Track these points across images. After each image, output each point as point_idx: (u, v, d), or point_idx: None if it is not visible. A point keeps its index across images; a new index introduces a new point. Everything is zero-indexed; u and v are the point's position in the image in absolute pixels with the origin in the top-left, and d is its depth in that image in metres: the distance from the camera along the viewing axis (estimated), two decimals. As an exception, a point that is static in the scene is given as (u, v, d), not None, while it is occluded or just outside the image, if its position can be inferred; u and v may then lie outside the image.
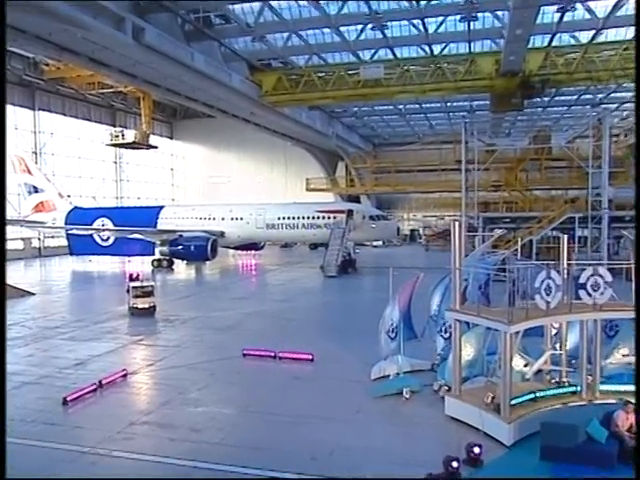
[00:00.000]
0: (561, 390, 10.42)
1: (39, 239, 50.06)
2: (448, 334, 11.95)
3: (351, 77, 36.32)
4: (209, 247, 36.13)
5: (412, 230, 67.68)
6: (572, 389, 10.46)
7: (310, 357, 14.27)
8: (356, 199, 59.57)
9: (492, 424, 9.59)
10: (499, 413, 9.60)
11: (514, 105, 35.19)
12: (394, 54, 36.88)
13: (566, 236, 11.63)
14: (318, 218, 37.89)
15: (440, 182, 53.99)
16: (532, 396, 10.05)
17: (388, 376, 12.37)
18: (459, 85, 35.18)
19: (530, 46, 31.47)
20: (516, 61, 31.44)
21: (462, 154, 32.64)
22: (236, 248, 44.72)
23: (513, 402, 9.67)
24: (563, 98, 47.44)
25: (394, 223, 41.23)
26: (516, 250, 12.66)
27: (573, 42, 34.15)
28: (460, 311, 10.60)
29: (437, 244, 54.50)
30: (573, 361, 11.17)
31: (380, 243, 55.66)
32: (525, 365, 10.93)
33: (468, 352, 11.01)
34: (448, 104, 51.74)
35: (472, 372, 11.11)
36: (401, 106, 53.31)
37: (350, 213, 36.69)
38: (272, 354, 14.59)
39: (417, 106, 52.93)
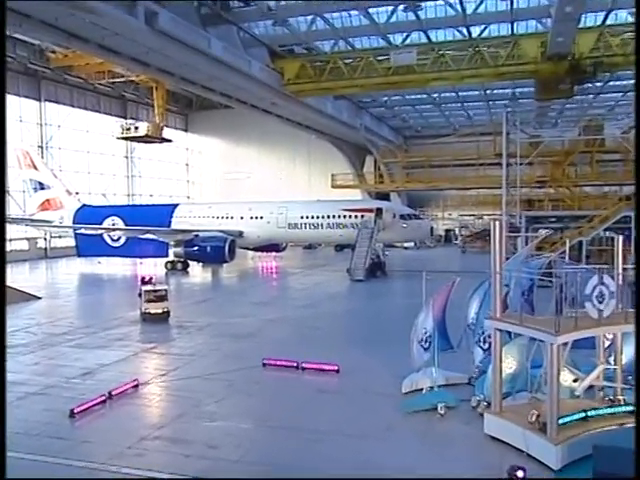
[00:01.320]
0: (616, 409, 10.17)
1: (45, 239, 50.95)
2: (487, 345, 11.79)
3: (381, 63, 36.21)
4: (227, 248, 36.34)
5: (447, 230, 67.23)
6: (628, 408, 10.16)
7: (336, 368, 14.24)
8: (385, 197, 59.41)
9: (537, 445, 9.41)
10: (545, 433, 9.41)
11: (562, 92, 34.65)
12: (428, 37, 36.66)
13: (621, 237, 11.36)
14: (344, 217, 37.82)
15: (478, 178, 53.57)
16: (583, 415, 9.82)
17: (421, 390, 12.28)
18: (500, 71, 34.78)
19: (581, 25, 30.88)
20: (565, 43, 30.86)
21: (503, 147, 32.23)
22: (256, 249, 44.93)
23: (561, 421, 9.47)
24: (618, 83, 46.44)
25: (427, 223, 40.92)
26: (564, 252, 12.45)
27: (631, 19, 33.27)
28: (501, 320, 10.45)
29: (475, 246, 54.04)
30: (629, 377, 10.90)
31: (412, 244, 55.34)
32: (574, 380, 10.71)
33: (510, 365, 10.84)
34: (488, 92, 51.23)
35: (514, 387, 10.94)
36: (435, 95, 52.98)
37: (379, 212, 36.56)
38: (294, 364, 14.60)
39: (453, 94, 52.55)
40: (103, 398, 12.22)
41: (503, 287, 10.84)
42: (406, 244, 53.77)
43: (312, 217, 38.78)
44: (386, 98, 54.31)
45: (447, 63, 35.26)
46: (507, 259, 11.47)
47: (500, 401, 10.42)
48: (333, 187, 60.85)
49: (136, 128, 50.35)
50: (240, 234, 39.52)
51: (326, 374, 14.16)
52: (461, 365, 13.03)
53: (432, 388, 12.15)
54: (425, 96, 53.26)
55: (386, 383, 13.22)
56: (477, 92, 51.68)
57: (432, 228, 40.07)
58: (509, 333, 10.79)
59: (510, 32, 35.36)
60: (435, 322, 12.26)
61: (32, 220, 44.61)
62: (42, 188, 45.47)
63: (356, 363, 15.01)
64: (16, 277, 36.05)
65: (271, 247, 43.93)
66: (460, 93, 52.11)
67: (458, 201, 61.76)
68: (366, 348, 16.68)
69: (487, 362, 11.55)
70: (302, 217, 39.03)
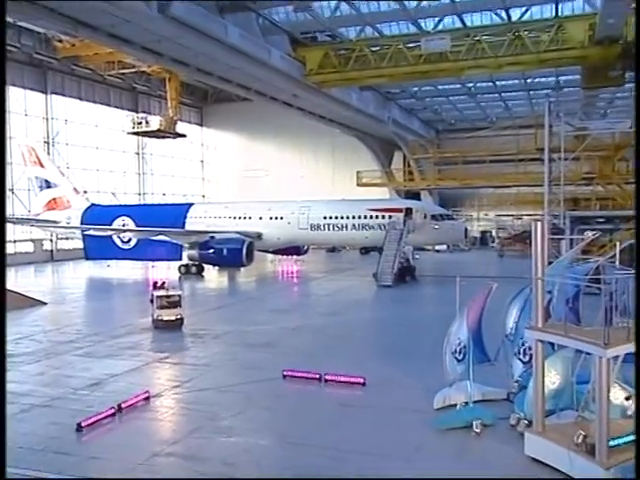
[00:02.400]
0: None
1: (51, 241, 51.69)
2: (528, 357, 11.69)
3: (411, 51, 36.05)
4: (244, 251, 36.49)
5: (483, 232, 66.72)
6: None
7: (361, 381, 14.21)
8: (416, 195, 59.15)
9: (584, 469, 9.25)
10: (593, 456, 9.25)
11: (612, 79, 34.14)
12: (463, 22, 36.40)
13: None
14: (371, 218, 37.75)
15: (518, 175, 53.12)
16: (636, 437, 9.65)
17: (455, 406, 12.18)
18: (543, 57, 34.32)
19: (634, 5, 30.35)
20: (616, 25, 30.26)
21: (545, 140, 31.88)
22: (275, 252, 45.06)
23: (611, 443, 9.28)
24: (674, 69, 45.71)
25: (461, 224, 40.67)
26: (613, 256, 12.21)
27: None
28: (543, 330, 10.32)
29: (514, 249, 53.54)
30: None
31: (444, 247, 55.06)
32: (627, 398, 10.50)
33: (553, 380, 10.70)
34: (528, 81, 50.67)
35: (558, 404, 10.79)
36: (471, 84, 52.58)
37: (409, 212, 36.44)
38: (317, 376, 14.59)
39: (490, 84, 52.11)
40: (112, 411, 12.31)
41: (545, 294, 10.71)
42: (438, 247, 53.52)
43: (336, 217, 38.76)
44: (416, 89, 54.05)
45: (484, 50, 34.93)
46: (550, 263, 11.33)
47: (542, 419, 10.28)
48: (359, 185, 60.80)
49: (148, 122, 50.95)
50: (259, 236, 39.66)
51: (351, 387, 14.12)
52: (499, 379, 12.89)
53: (467, 404, 12.04)
54: (459, 86, 52.89)
55: (416, 398, 13.14)
56: (517, 81, 51.15)
57: (466, 230, 39.77)
58: (552, 345, 10.68)
59: (554, 14, 34.86)
60: (470, 332, 12.17)
61: (37, 220, 45.22)
62: (48, 186, 46.04)
63: (383, 375, 14.95)
64: (20, 281, 36.69)
65: (292, 250, 44.00)
66: (498, 82, 51.62)
67: (495, 200, 61.19)
68: (394, 359, 16.62)
69: (527, 376, 11.43)
70: (325, 217, 39.04)
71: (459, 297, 12.41)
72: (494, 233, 64.81)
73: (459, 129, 65.57)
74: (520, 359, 12.16)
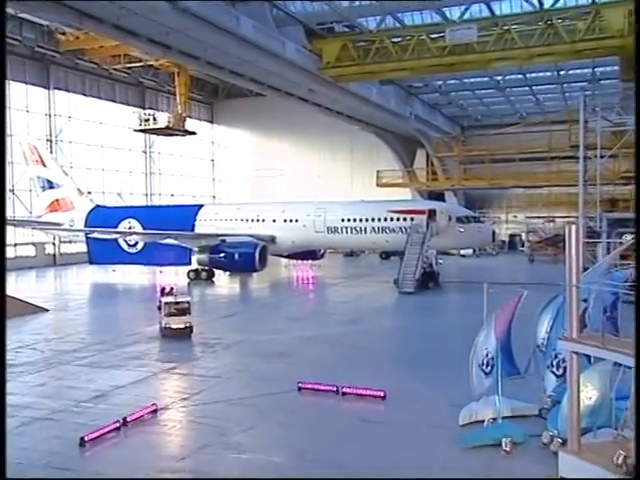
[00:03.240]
0: None
1: (54, 244, 52.10)
2: (562, 370, 11.57)
3: (435, 42, 36.00)
4: (257, 255, 36.54)
5: (512, 235, 66.34)
6: None
7: (382, 394, 14.14)
8: (439, 196, 58.97)
9: (624, 492, 9.13)
10: (635, 478, 9.12)
11: (654, 70, 33.78)
12: (491, 10, 36.30)
13: None
14: (391, 220, 37.67)
15: (550, 174, 52.78)
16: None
17: (482, 422, 12.08)
18: (578, 47, 34.03)
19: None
20: (659, 10, 30.11)
21: (580, 137, 31.68)
22: (290, 257, 45.11)
23: (655, 464, 9.17)
24: None
25: (488, 227, 40.45)
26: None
27: None
28: (578, 341, 10.19)
29: (545, 253, 53.20)
30: None
31: (470, 252, 54.79)
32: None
33: (589, 395, 10.56)
34: (562, 73, 50.37)
35: (595, 421, 10.64)
36: (499, 77, 52.41)
37: (432, 214, 36.29)
38: (334, 389, 14.55)
39: (520, 77, 51.86)
40: (117, 425, 12.34)
41: (580, 302, 10.59)
42: (463, 251, 53.30)
43: (354, 220, 38.72)
44: (441, 82, 53.97)
45: (513, 40, 34.75)
46: (585, 270, 11.22)
47: (578, 438, 10.14)
48: (379, 186, 60.73)
49: (155, 119, 51.24)
50: (272, 239, 39.72)
51: (370, 401, 14.05)
52: (530, 394, 12.76)
53: (495, 420, 11.94)
54: (487, 79, 52.72)
55: (440, 413, 13.07)
56: (549, 73, 50.86)
57: (494, 233, 39.53)
58: (588, 357, 10.54)
59: (590, 0, 34.62)
60: (498, 342, 12.08)
61: (39, 223, 45.63)
62: (51, 187, 46.44)
63: (405, 388, 14.88)
64: (21, 287, 37.00)
65: (307, 254, 44.06)
66: (528, 75, 51.37)
67: (525, 201, 60.87)
68: (417, 371, 16.54)
69: (561, 391, 11.30)
70: (343, 220, 39.01)
71: (486, 305, 12.33)
72: (524, 237, 64.31)
73: (486, 125, 65.29)
74: (553, 372, 12.03)
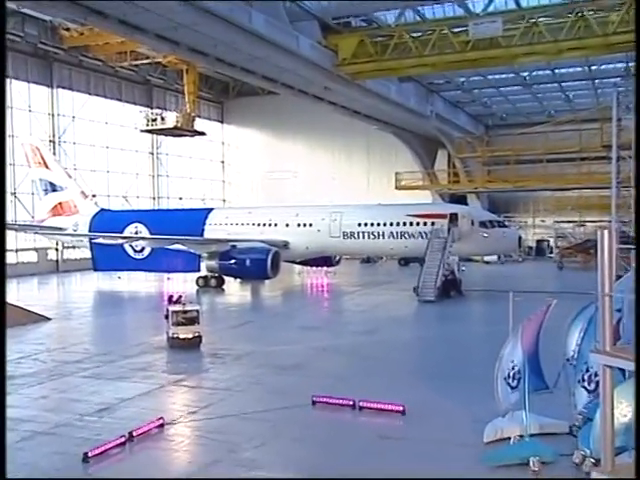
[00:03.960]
0: None
1: (57, 250, 52.50)
2: (594, 385, 11.48)
3: (457, 37, 35.91)
4: (269, 261, 36.61)
5: (539, 241, 66.02)
6: None
7: (401, 409, 14.10)
8: (462, 199, 58.75)
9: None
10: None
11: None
12: (517, 3, 36.17)
13: None
14: (411, 224, 37.61)
15: (580, 175, 52.42)
16: None
17: (508, 439, 12.00)
18: (610, 40, 33.66)
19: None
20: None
21: (613, 136, 31.45)
22: (303, 263, 45.13)
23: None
24: None
25: (514, 232, 40.24)
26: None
27: None
28: (612, 354, 10.07)
29: (575, 260, 52.88)
30: None
31: (494, 258, 54.57)
32: None
33: (624, 412, 10.42)
34: (593, 68, 50.03)
35: (630, 441, 10.53)
36: (526, 73, 52.17)
37: (454, 218, 36.21)
38: (350, 403, 14.54)
39: (548, 72, 51.62)
40: (122, 440, 12.38)
41: (614, 312, 10.49)
42: (487, 258, 53.10)
43: (371, 224, 38.69)
44: (463, 79, 53.82)
45: (541, 34, 34.55)
46: (619, 277, 11.11)
47: (612, 458, 10.00)
48: (397, 188, 60.59)
49: (163, 119, 51.55)
50: (285, 245, 39.76)
51: (389, 416, 14.03)
52: (559, 409, 12.66)
53: (522, 437, 11.84)
54: (512, 75, 52.50)
55: (463, 429, 13.01)
56: (579, 69, 50.55)
57: (520, 238, 39.37)
58: (622, 371, 10.43)
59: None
60: (525, 355, 12.00)
61: (42, 227, 45.94)
62: (54, 190, 46.73)
63: (426, 403, 14.83)
64: (23, 294, 37.27)
65: (322, 260, 44.04)
66: (557, 71, 51.10)
67: (554, 205, 60.54)
68: (438, 385, 16.49)
69: (594, 407, 11.17)
70: (359, 224, 38.99)
71: (512, 315, 12.25)
72: (552, 242, 64.04)
73: (512, 124, 64.98)
74: (584, 387, 11.93)
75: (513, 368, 11.88)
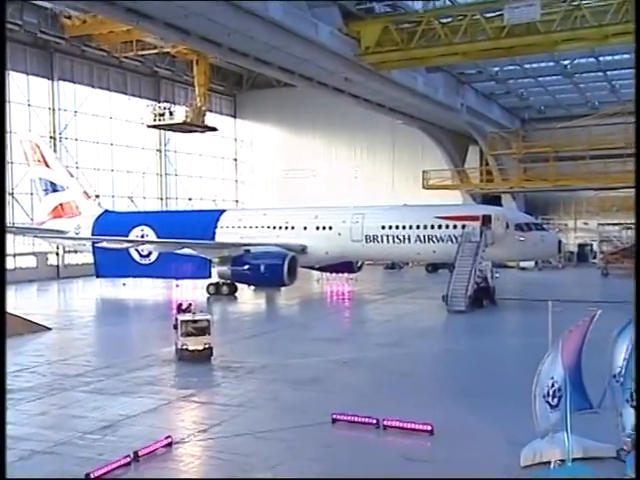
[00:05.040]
0: None
1: (57, 254, 52.90)
2: (643, 405, 11.31)
3: (491, 22, 35.77)
4: (286, 267, 36.66)
5: (581, 245, 65.56)
6: None
7: (428, 428, 14.03)
8: (495, 200, 58.49)
9: None
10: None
11: None
12: (556, -16, 35.97)
13: None
14: (439, 227, 37.53)
15: (627, 173, 51.73)
16: None
17: (548, 463, 11.88)
18: (662, 24, 33.50)
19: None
20: None
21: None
22: (323, 269, 45.14)
23: None
24: None
25: (553, 235, 40.05)
26: None
27: None
28: (662, 369, 10.00)
29: (621, 266, 52.34)
30: None
31: (531, 264, 54.29)
32: None
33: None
34: (642, 54, 49.65)
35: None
36: (566, 61, 51.81)
37: (487, 220, 36.07)
38: (373, 421, 14.50)
39: (592, 60, 51.22)
40: (127, 460, 12.41)
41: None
42: (524, 263, 52.85)
43: (397, 227, 38.63)
44: (497, 69, 53.56)
45: (584, 18, 34.24)
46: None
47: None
48: (425, 188, 60.43)
49: (171, 113, 51.89)
50: (303, 249, 39.81)
51: (415, 436, 13.96)
52: (605, 431, 12.49)
53: (564, 462, 11.71)
54: (552, 64, 52.16)
55: (497, 451, 12.92)
56: (626, 56, 49.92)
57: (560, 242, 39.11)
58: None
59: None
60: (567, 371, 11.88)
61: (41, 230, 46.29)
62: (54, 190, 47.10)
63: (456, 422, 14.76)
64: (21, 302, 37.55)
65: (343, 266, 43.98)
66: (602, 58, 50.67)
67: (597, 206, 60.09)
68: (469, 402, 16.39)
69: (644, 429, 11.06)
70: (383, 227, 38.95)
71: (551, 326, 12.15)
72: (596, 247, 63.50)
73: (551, 117, 64.63)
74: (633, 407, 11.79)
75: (553, 385, 11.75)
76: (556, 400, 11.76)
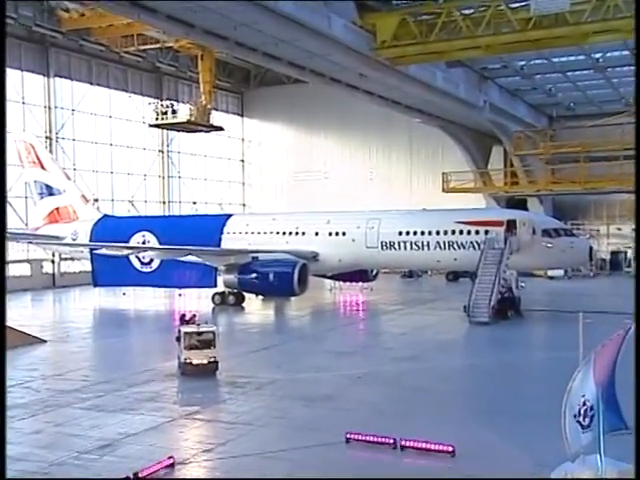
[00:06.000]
0: None
1: (53, 262, 53.11)
2: (683, 425, 11.20)
3: (516, 13, 35.70)
4: (296, 276, 36.67)
5: (614, 252, 65.25)
6: None
7: (450, 449, 13.94)
8: (521, 204, 58.32)
9: None
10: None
11: None
12: (587, -29, 35.89)
13: None
14: (461, 233, 37.46)
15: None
16: None
17: (579, 487, 11.79)
18: None
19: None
20: None
21: None
22: (336, 278, 45.13)
23: None
24: None
25: (584, 241, 39.97)
26: None
27: None
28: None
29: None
30: None
31: (560, 273, 54.09)
32: None
33: None
34: (679, 47, 49.46)
35: None
36: (598, 55, 51.67)
37: (511, 225, 36.01)
38: (390, 441, 14.42)
39: (625, 54, 51.02)
40: (127, 482, 12.42)
41: None
42: (552, 272, 52.67)
43: (414, 233, 38.58)
44: (523, 63, 53.42)
45: (617, 7, 34.04)
46: None
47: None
48: (445, 191, 60.36)
49: (174, 112, 51.98)
50: (314, 256, 39.82)
51: (436, 457, 13.87)
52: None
53: (596, 485, 11.63)
54: (582, 57, 51.99)
55: (524, 475, 12.81)
56: (664, 48, 50.02)
57: (591, 249, 38.96)
58: None
59: None
60: (599, 388, 11.77)
61: (36, 236, 46.44)
62: (50, 193, 47.31)
63: (479, 443, 14.69)
64: (14, 312, 37.56)
65: (357, 275, 43.96)
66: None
67: (631, 210, 59.74)
68: (493, 421, 16.34)
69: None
70: (400, 233, 38.91)
71: (583, 340, 12.06)
72: (630, 254, 63.19)
73: (581, 115, 64.53)
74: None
75: (584, 404, 11.66)
76: (588, 420, 11.66)
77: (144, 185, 61.32)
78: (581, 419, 11.67)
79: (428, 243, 38.22)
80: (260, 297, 41.26)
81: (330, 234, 40.71)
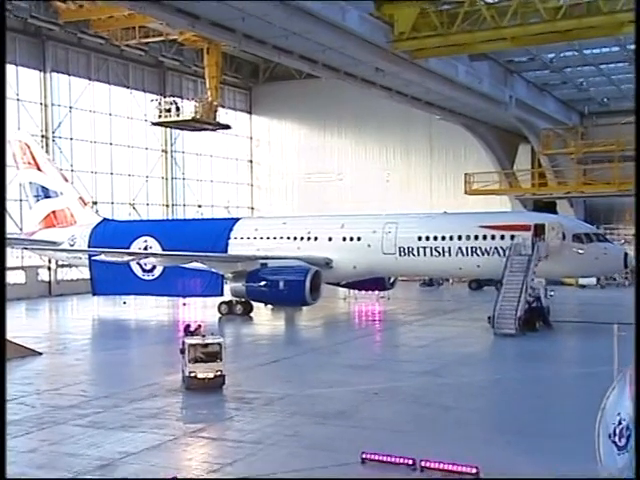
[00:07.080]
0: None
1: (49, 269, 53.25)
2: None
3: (545, 2, 35.61)
4: (308, 284, 36.68)
5: (651, 259, 64.91)
6: None
7: (474, 471, 13.84)
8: (550, 207, 58.15)
9: None
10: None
11: None
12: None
13: None
14: (484, 238, 37.38)
15: None
16: None
17: (613, 513, 11.71)
18: None
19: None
20: None
21: None
22: (350, 286, 45.12)
23: None
24: None
25: (618, 247, 39.82)
26: None
27: None
28: None
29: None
30: None
31: (592, 281, 53.87)
32: None
33: None
34: None
35: None
36: (634, 46, 51.48)
37: (540, 230, 35.87)
38: (410, 462, 14.36)
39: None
40: (127, 504, 12.44)
41: None
42: (583, 280, 52.51)
43: (435, 238, 38.51)
44: (552, 55, 53.33)
45: (654, -6, 34.12)
46: None
47: None
48: (467, 193, 60.20)
49: (178, 109, 52.12)
50: (328, 263, 39.82)
51: (458, 479, 13.78)
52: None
53: (632, 510, 11.55)
54: (616, 49, 51.77)
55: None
56: None
57: (626, 255, 38.71)
58: None
59: None
60: (636, 406, 11.70)
61: (31, 241, 46.57)
62: (46, 196, 47.43)
63: (505, 464, 14.60)
64: (8, 323, 37.66)
65: (373, 283, 43.92)
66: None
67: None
68: (520, 442, 16.25)
69: None
70: (420, 238, 38.84)
71: (617, 354, 11.97)
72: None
73: (615, 111, 64.20)
74: None
75: (620, 423, 11.59)
76: (624, 440, 11.60)
77: (146, 187, 61.44)
78: (617, 439, 11.61)
79: (449, 249, 38.10)
80: (269, 306, 41.25)
81: (344, 239, 40.68)
